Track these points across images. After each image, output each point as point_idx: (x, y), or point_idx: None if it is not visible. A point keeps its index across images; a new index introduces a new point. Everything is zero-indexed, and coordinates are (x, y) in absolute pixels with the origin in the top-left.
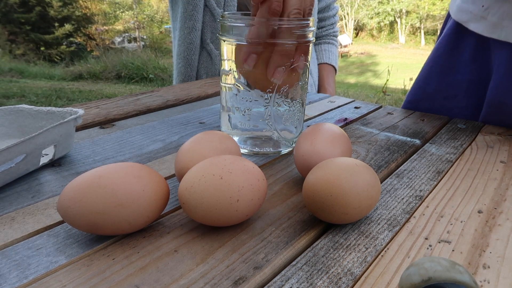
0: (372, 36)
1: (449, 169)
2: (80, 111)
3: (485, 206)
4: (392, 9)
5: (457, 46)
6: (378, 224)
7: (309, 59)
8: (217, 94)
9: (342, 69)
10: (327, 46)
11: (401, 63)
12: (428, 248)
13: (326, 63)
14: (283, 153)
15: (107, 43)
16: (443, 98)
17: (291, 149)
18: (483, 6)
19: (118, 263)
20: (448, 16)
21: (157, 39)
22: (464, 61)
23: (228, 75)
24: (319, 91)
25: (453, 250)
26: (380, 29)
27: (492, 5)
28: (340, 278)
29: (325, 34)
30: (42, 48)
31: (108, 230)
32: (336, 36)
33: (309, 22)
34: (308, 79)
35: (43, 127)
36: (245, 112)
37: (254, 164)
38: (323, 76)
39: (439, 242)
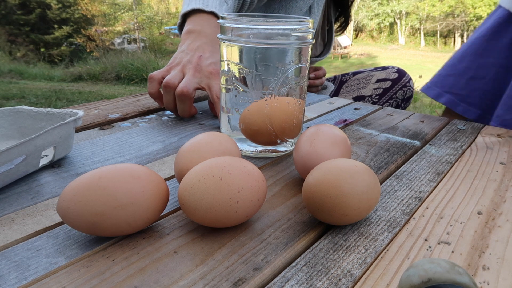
0: (372, 37)
1: (448, 171)
2: (80, 113)
3: (485, 208)
4: (392, 11)
5: (498, 31)
6: (378, 225)
7: (308, 60)
8: None
9: (342, 70)
10: None
11: (401, 64)
12: (427, 250)
13: None
14: (282, 154)
15: (107, 44)
16: (470, 77)
17: (291, 150)
18: None
19: (117, 264)
20: (498, 7)
21: (157, 40)
22: (502, 46)
23: (228, 76)
24: None
25: (452, 252)
26: (380, 30)
27: None
28: (339, 279)
29: None
30: (42, 49)
31: (107, 231)
32: None
33: (308, 23)
34: (307, 80)
35: (43, 129)
36: None
37: (253, 165)
38: None
39: (439, 244)
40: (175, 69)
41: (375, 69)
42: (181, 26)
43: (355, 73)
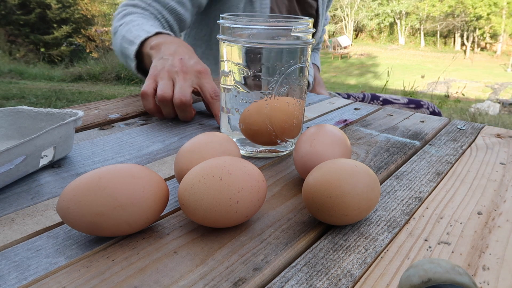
0: (372, 37)
1: (448, 171)
2: (80, 113)
3: (485, 208)
4: (391, 11)
5: None
6: (378, 225)
7: (308, 60)
8: None
9: (342, 70)
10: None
11: (401, 64)
12: (427, 250)
13: (312, 63)
14: (283, 154)
15: (107, 44)
16: None
17: (291, 150)
18: None
19: (117, 265)
20: None
21: None
22: None
23: (228, 77)
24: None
25: (452, 252)
26: (380, 31)
27: None
28: (339, 279)
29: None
30: (42, 49)
31: (107, 231)
32: (320, 48)
33: (309, 24)
34: (307, 80)
35: (43, 129)
36: None
37: (253, 165)
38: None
39: (439, 244)
40: (162, 78)
41: (408, 103)
42: (138, 67)
43: (385, 102)
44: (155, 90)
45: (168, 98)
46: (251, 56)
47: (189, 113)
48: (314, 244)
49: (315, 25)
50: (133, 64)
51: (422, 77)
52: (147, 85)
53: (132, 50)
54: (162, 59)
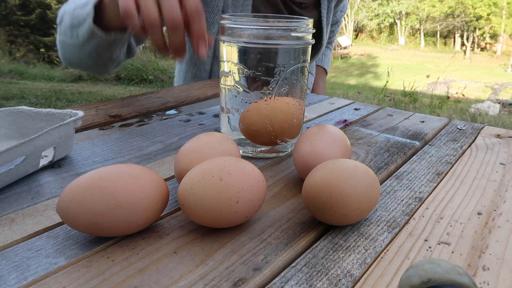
0: (372, 37)
1: (448, 171)
2: (80, 113)
3: (485, 208)
4: (391, 11)
5: None
6: (378, 225)
7: (308, 60)
8: (217, 95)
9: (342, 70)
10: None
11: (401, 64)
12: (427, 250)
13: (319, 66)
14: (283, 154)
15: None
16: None
17: (291, 150)
18: None
19: (117, 265)
20: None
21: None
22: None
23: (228, 77)
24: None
25: (452, 252)
26: (380, 31)
27: None
28: (339, 279)
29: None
30: (42, 50)
31: (107, 232)
32: (333, 42)
33: (309, 24)
34: (307, 80)
35: (43, 129)
36: None
37: (253, 165)
38: (314, 78)
39: (439, 244)
40: None
41: None
42: (98, 23)
43: None
44: (138, 7)
45: (157, 22)
46: (251, 56)
47: (182, 37)
48: (314, 244)
49: (320, 29)
50: (89, 19)
51: (427, 76)
52: (125, 0)
53: (89, 5)
54: None
